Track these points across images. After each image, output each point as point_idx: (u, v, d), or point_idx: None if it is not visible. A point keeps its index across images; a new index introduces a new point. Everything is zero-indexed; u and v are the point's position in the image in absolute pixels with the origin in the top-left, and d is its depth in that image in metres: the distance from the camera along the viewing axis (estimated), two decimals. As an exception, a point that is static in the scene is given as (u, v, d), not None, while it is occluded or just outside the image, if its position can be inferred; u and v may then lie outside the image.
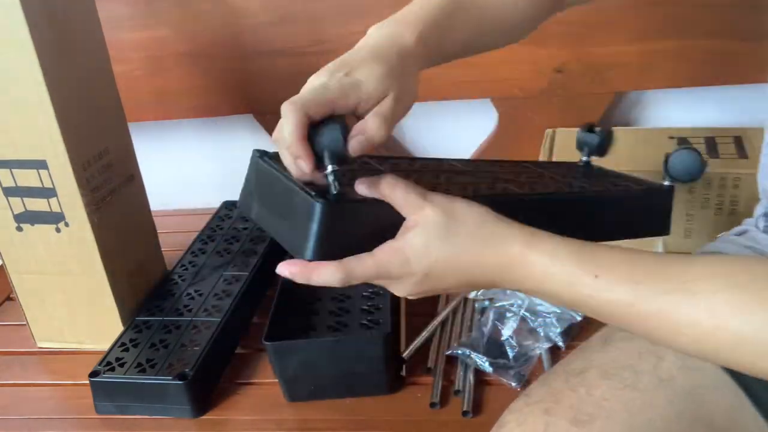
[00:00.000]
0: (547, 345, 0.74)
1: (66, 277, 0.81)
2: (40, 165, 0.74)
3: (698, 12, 0.93)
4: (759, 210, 0.62)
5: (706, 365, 0.49)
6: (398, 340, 0.77)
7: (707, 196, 0.84)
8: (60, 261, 0.80)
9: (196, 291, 0.87)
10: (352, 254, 0.46)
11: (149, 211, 0.91)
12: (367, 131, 0.46)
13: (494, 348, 0.75)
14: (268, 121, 1.10)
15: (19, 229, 0.79)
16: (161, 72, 1.06)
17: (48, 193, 0.76)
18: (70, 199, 0.76)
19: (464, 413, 0.68)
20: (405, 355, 0.75)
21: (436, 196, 0.47)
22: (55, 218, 0.77)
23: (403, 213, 0.47)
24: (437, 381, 0.72)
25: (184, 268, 0.93)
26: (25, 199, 0.77)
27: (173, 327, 0.80)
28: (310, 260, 0.46)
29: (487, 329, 0.77)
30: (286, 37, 1.01)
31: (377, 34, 0.52)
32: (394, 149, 1.15)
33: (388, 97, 0.47)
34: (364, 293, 0.83)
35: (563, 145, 0.94)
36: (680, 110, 1.06)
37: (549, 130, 0.99)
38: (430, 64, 0.54)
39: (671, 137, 0.91)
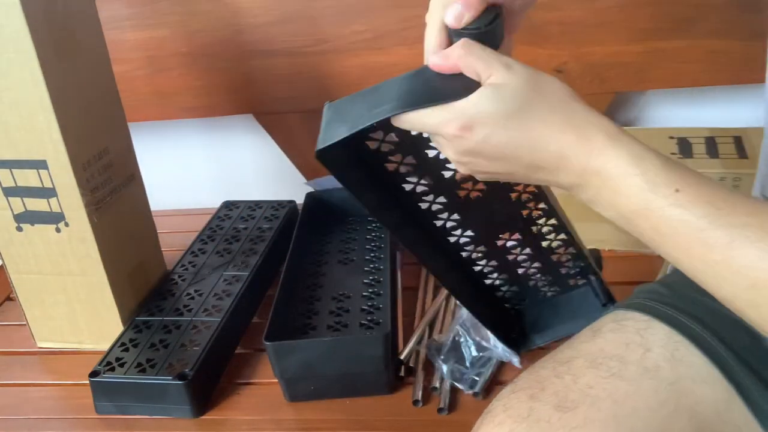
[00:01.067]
0: (502, 356, 0.73)
1: (66, 277, 0.81)
2: (40, 165, 0.74)
3: (698, 12, 0.93)
4: None
5: (694, 359, 0.49)
6: (397, 341, 0.77)
7: (707, 196, 0.84)
8: (60, 261, 0.80)
9: (196, 291, 0.87)
10: None
11: (149, 211, 0.91)
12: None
13: (456, 351, 0.74)
14: (268, 121, 1.10)
15: (19, 229, 0.79)
16: (161, 72, 1.06)
17: (48, 193, 0.76)
18: (70, 199, 0.76)
19: (440, 410, 0.68)
20: (403, 356, 0.75)
21: (519, 64, 0.44)
22: (55, 218, 0.77)
23: (483, 75, 0.44)
24: (418, 379, 0.72)
25: (184, 268, 0.93)
26: (25, 199, 0.77)
27: (173, 327, 0.80)
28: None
29: (452, 333, 0.76)
30: (286, 37, 1.01)
31: None
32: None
33: None
34: (364, 293, 0.83)
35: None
36: (680, 110, 1.06)
37: (549, 130, 0.99)
38: None
39: (671, 137, 0.91)
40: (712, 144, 0.89)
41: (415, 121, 0.44)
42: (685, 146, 0.89)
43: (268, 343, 0.70)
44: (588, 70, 0.99)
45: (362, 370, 0.70)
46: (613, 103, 1.03)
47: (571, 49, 0.97)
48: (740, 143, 0.88)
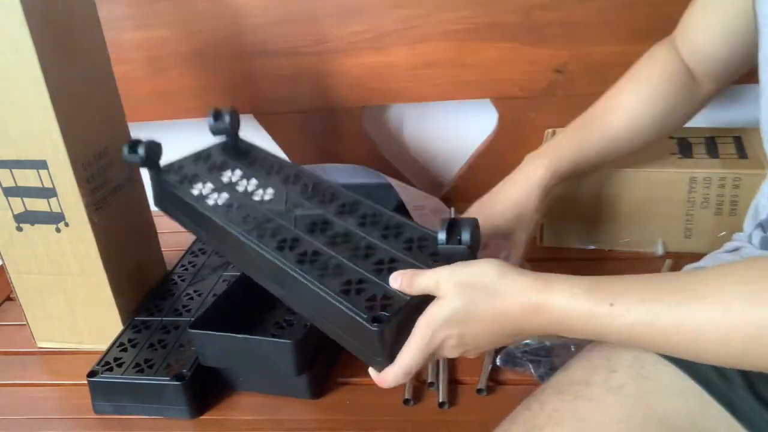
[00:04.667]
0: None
1: (66, 277, 0.81)
2: (40, 165, 0.74)
3: (698, 12, 0.92)
4: (749, 224, 0.61)
5: (662, 374, 0.51)
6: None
7: (707, 196, 0.84)
8: (60, 261, 0.80)
9: (195, 291, 0.87)
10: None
11: (149, 211, 0.91)
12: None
13: None
14: (268, 121, 1.10)
15: (19, 229, 0.79)
16: (161, 72, 1.06)
17: (48, 193, 0.76)
18: (70, 199, 0.76)
19: (441, 404, 0.69)
20: None
21: (450, 273, 0.52)
22: (55, 218, 0.77)
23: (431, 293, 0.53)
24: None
25: (183, 268, 0.93)
26: (25, 199, 0.77)
27: (172, 327, 0.80)
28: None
29: None
30: (286, 37, 1.01)
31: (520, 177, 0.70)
32: (395, 149, 1.15)
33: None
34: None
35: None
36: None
37: (549, 130, 0.99)
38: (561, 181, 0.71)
39: (671, 137, 0.91)
40: (712, 144, 0.89)
41: (407, 363, 0.54)
42: (685, 146, 0.89)
43: (189, 330, 0.71)
44: (588, 70, 0.98)
45: (277, 372, 0.71)
46: (613, 103, 1.02)
47: (571, 49, 0.97)
48: (740, 143, 0.88)
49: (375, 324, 0.52)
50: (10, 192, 0.77)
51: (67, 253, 0.79)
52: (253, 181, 0.76)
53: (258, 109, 1.09)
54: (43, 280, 0.82)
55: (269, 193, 0.73)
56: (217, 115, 0.83)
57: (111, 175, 0.81)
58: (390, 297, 0.56)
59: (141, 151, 0.76)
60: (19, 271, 0.82)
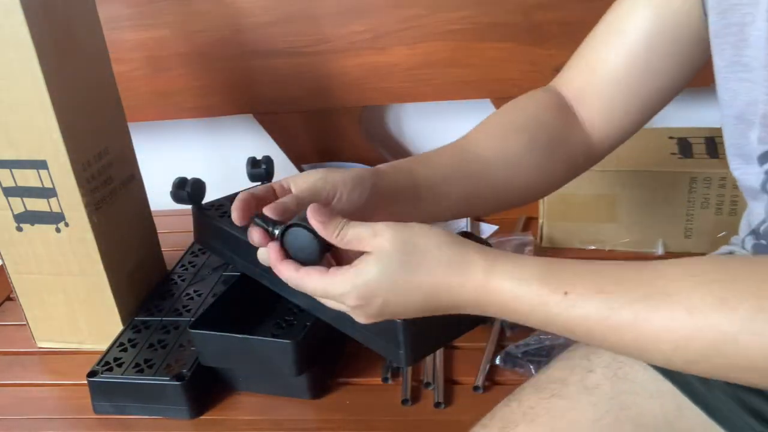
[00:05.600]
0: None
1: (66, 277, 0.81)
2: (40, 165, 0.74)
3: (698, 12, 0.92)
4: (744, 228, 0.61)
5: (638, 376, 0.51)
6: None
7: (707, 196, 0.84)
8: (60, 261, 0.80)
9: (195, 291, 0.87)
10: None
11: (149, 211, 0.91)
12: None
13: None
14: (268, 121, 1.10)
15: (19, 229, 0.79)
16: (161, 72, 1.06)
17: (48, 193, 0.76)
18: (70, 199, 0.76)
19: (437, 405, 0.69)
20: None
21: (387, 225, 0.45)
22: (55, 218, 0.77)
23: (360, 248, 0.45)
24: (406, 378, 0.73)
25: (183, 268, 0.93)
26: (25, 199, 0.77)
27: (172, 327, 0.80)
28: None
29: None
30: (286, 37, 1.01)
31: None
32: (395, 149, 1.15)
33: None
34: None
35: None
36: (680, 110, 1.05)
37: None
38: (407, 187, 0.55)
39: (671, 137, 0.91)
40: (711, 144, 0.89)
41: (305, 281, 0.46)
42: (685, 146, 0.89)
43: (190, 330, 0.71)
44: (588, 71, 0.98)
45: (277, 372, 0.71)
46: (613, 104, 1.02)
47: (571, 49, 0.96)
48: (740, 143, 0.88)
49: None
50: (10, 192, 0.77)
51: (67, 253, 0.79)
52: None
53: (258, 109, 1.09)
54: (43, 280, 0.82)
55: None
56: (254, 163, 0.86)
57: (111, 175, 0.81)
58: None
59: (188, 188, 0.80)
60: (19, 271, 0.82)
